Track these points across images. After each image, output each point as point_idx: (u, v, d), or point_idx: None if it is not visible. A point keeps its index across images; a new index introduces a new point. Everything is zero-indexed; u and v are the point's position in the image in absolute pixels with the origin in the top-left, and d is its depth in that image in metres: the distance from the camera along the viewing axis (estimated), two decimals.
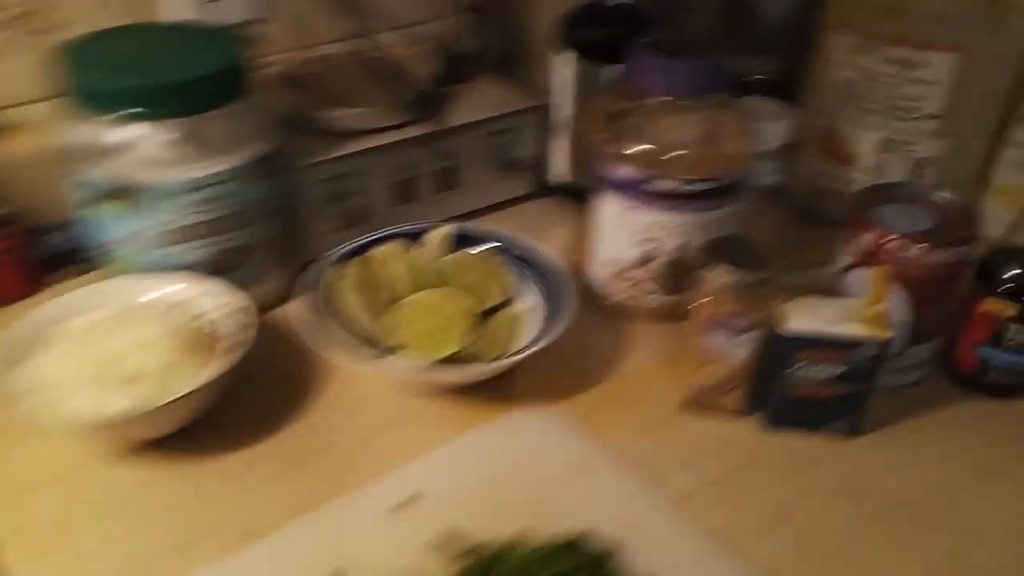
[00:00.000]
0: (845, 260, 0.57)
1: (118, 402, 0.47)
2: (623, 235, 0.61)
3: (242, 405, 0.55)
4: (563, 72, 0.73)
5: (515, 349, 0.56)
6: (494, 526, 0.46)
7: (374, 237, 0.62)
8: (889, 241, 0.53)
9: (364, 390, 0.57)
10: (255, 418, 0.54)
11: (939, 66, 0.64)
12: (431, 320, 0.57)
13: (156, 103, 0.53)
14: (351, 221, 0.66)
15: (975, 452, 0.54)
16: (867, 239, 0.54)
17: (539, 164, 0.77)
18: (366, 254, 0.61)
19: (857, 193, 0.57)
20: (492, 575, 0.43)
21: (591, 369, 0.59)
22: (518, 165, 0.74)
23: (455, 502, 0.48)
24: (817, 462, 0.52)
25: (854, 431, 0.54)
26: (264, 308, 0.62)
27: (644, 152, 0.57)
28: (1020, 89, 0.68)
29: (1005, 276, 0.54)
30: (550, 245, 0.71)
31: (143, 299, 0.56)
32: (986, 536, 0.48)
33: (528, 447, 0.52)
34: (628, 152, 0.58)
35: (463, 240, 0.64)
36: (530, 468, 0.51)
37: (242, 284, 0.59)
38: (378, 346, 0.57)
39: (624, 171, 0.58)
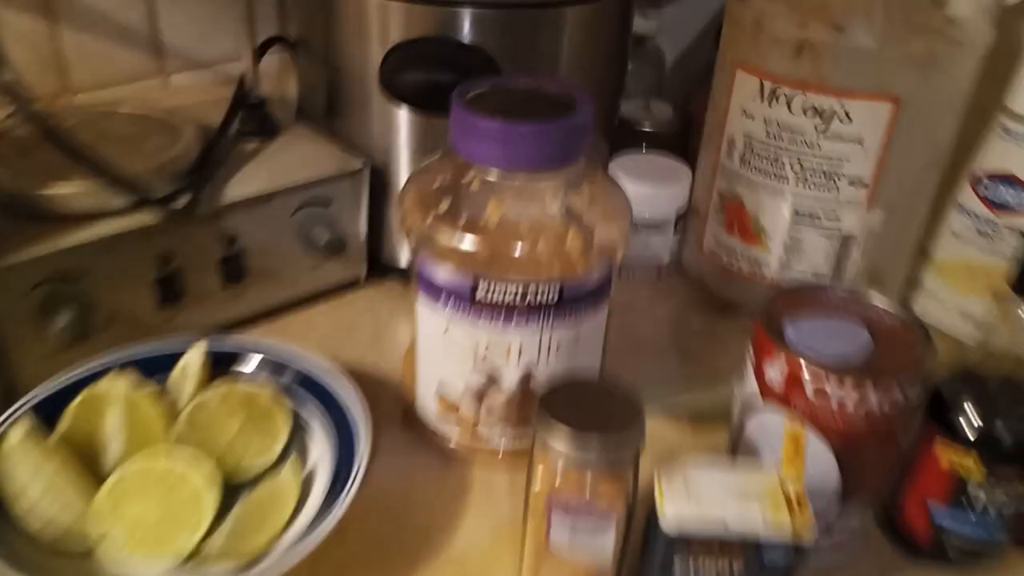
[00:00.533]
0: (748, 389, 0.41)
1: None
2: (450, 358, 0.44)
3: None
4: (390, 123, 0.56)
5: (280, 540, 0.38)
6: None
7: (93, 370, 0.44)
8: (806, 373, 0.37)
9: None
10: None
11: (865, 118, 0.49)
12: (156, 500, 0.38)
13: None
14: (77, 339, 0.47)
15: None
16: (775, 370, 0.38)
17: (369, 242, 0.60)
18: (75, 401, 0.42)
19: (765, 301, 0.41)
20: None
21: (397, 557, 0.42)
22: (339, 248, 0.56)
23: None
24: None
25: None
26: None
27: (471, 246, 0.40)
28: (962, 144, 0.54)
29: (964, 415, 0.39)
30: (381, 353, 0.54)
31: None
32: None
33: None
34: (449, 246, 0.40)
35: (228, 360, 0.46)
36: None
37: None
38: (78, 544, 0.38)
39: (445, 272, 0.41)
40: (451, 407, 0.45)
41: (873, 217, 0.52)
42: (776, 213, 0.54)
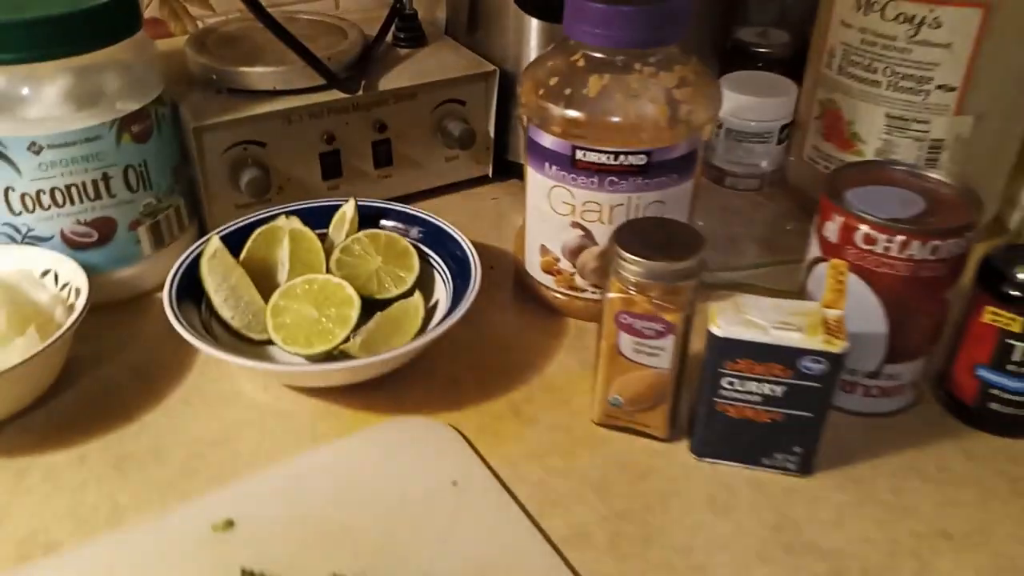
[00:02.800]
0: (812, 253, 0.46)
1: None
2: (552, 218, 0.52)
3: (89, 394, 0.48)
4: (522, 34, 0.64)
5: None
6: (330, 560, 0.38)
7: (268, 214, 0.55)
8: (859, 228, 0.42)
9: (228, 385, 0.49)
10: (100, 409, 0.47)
11: (955, 24, 0.52)
12: (312, 310, 0.49)
13: (28, 41, 0.46)
14: (257, 196, 0.58)
15: (957, 509, 0.42)
16: (832, 228, 0.44)
17: (497, 140, 0.68)
18: (255, 233, 0.53)
19: (832, 172, 0.46)
20: None
21: (499, 376, 0.50)
22: (470, 141, 0.65)
23: (289, 529, 0.40)
24: (746, 505, 0.42)
25: (802, 468, 0.43)
26: (138, 289, 0.55)
27: (573, 118, 0.48)
28: None
29: (1015, 280, 0.43)
30: (500, 236, 0.62)
31: None
32: None
33: (398, 462, 0.43)
34: (555, 117, 0.48)
35: (372, 220, 0.56)
36: (391, 488, 0.42)
37: (111, 262, 0.52)
38: (251, 336, 0.50)
39: (549, 140, 0.49)
40: (552, 263, 0.53)
41: (962, 123, 0.55)
42: (870, 119, 0.58)
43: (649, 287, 0.41)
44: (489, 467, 0.44)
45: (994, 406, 0.45)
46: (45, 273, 0.50)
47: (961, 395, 0.46)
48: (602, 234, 0.51)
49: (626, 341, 0.43)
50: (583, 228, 0.51)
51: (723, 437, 0.43)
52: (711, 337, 0.40)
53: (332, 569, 0.37)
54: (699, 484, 0.43)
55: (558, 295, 0.55)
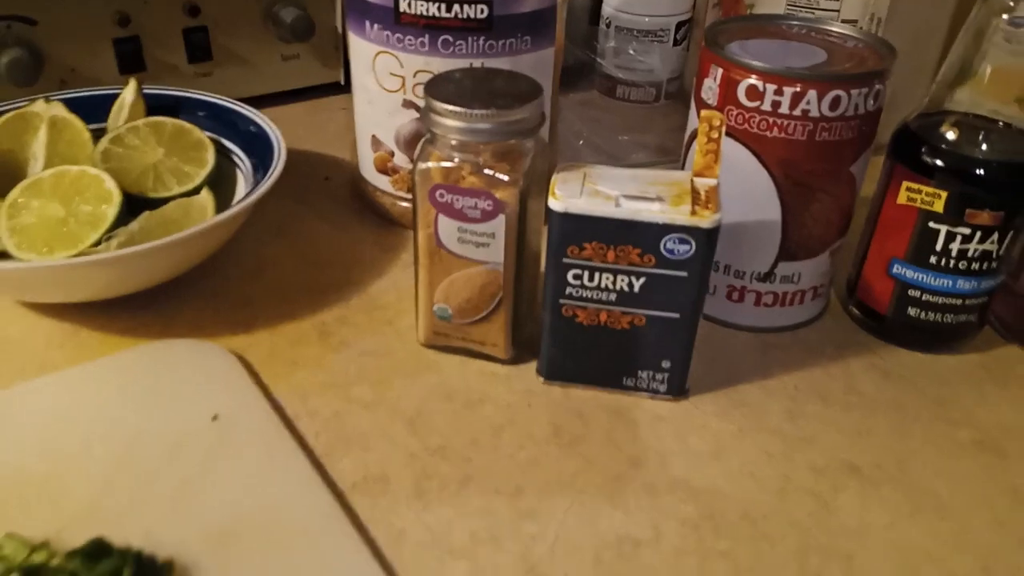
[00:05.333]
0: (691, 126, 0.37)
1: None
2: (380, 97, 0.41)
3: None
4: None
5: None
6: (25, 520, 0.27)
7: (22, 102, 0.43)
8: (743, 81, 0.33)
9: None
10: None
11: None
12: (59, 208, 0.38)
13: None
14: (22, 83, 0.46)
15: (868, 439, 0.33)
16: (711, 83, 0.34)
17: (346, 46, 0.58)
18: (4, 116, 0.42)
19: (713, 23, 0.37)
20: None
21: (310, 295, 0.40)
22: (307, 32, 0.54)
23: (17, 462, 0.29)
24: (599, 437, 0.32)
25: (674, 390, 0.33)
26: None
27: None
28: None
29: (937, 145, 0.34)
30: (344, 146, 0.52)
31: None
32: None
33: (140, 392, 0.32)
34: None
35: (168, 110, 0.45)
36: (122, 425, 0.31)
37: None
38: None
39: None
40: (385, 159, 0.43)
41: (880, 4, 0.47)
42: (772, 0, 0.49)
43: (471, 151, 0.31)
44: (271, 399, 0.33)
45: (913, 312, 0.36)
46: None
47: (873, 303, 0.37)
48: None
49: (447, 228, 0.32)
50: (417, 108, 0.41)
51: (574, 352, 0.33)
52: (550, 215, 0.31)
53: (10, 529, 0.26)
54: (542, 413, 0.33)
55: (397, 201, 0.44)
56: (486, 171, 0.31)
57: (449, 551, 0.27)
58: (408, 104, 0.41)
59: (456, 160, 0.32)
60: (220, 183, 0.42)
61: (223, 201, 0.41)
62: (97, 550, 0.25)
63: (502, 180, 0.31)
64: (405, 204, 0.44)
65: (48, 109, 0.42)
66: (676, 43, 0.58)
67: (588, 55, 0.61)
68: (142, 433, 0.31)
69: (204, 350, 0.35)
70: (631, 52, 0.58)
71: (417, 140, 0.42)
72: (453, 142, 0.31)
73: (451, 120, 0.31)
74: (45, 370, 0.34)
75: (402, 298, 0.40)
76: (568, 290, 0.32)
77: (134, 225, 0.38)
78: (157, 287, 0.38)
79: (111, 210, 0.38)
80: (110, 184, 0.38)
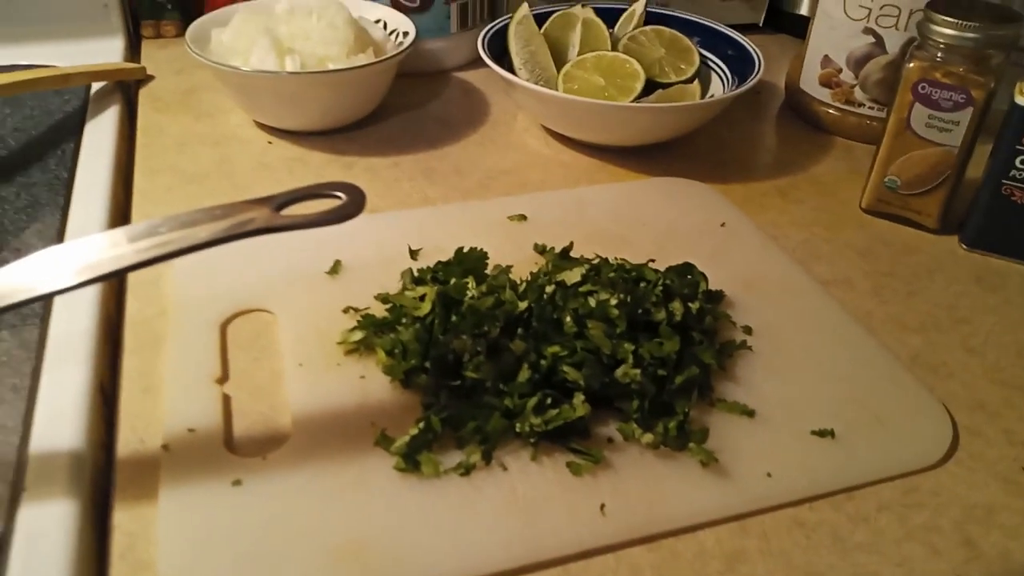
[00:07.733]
0: None
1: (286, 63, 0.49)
2: (843, 24, 0.52)
3: (400, 126, 0.55)
4: None
5: None
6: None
7: (563, 8, 0.60)
8: None
9: (516, 138, 0.54)
10: (409, 137, 0.54)
11: None
12: (600, 79, 0.53)
13: None
14: None
15: None
16: None
17: None
18: (553, 16, 0.58)
19: None
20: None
21: (765, 168, 0.52)
22: None
23: (571, 230, 0.44)
24: (1016, 288, 0.42)
25: None
26: (442, 64, 0.62)
27: None
28: None
29: None
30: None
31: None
32: None
33: (668, 203, 0.47)
34: None
35: (659, 22, 0.59)
36: (660, 219, 0.45)
37: (424, 31, 0.59)
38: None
39: None
40: (832, 74, 0.54)
41: None
42: None
43: (956, 53, 0.42)
44: (751, 222, 0.46)
45: None
46: (377, 21, 0.57)
47: None
48: (895, 42, 0.51)
49: (919, 114, 0.43)
50: (875, 35, 0.51)
51: (1002, 226, 0.43)
52: (1013, 108, 0.40)
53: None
54: (966, 267, 0.43)
55: (831, 110, 0.56)
56: (965, 73, 0.42)
57: (903, 329, 0.39)
58: (868, 31, 0.52)
59: (940, 58, 0.42)
60: (701, 78, 0.56)
61: (704, 91, 0.55)
62: (685, 269, 0.39)
63: (978, 80, 0.41)
64: (836, 113, 0.55)
65: (583, 12, 0.58)
66: None
67: None
68: (672, 224, 0.45)
69: (699, 186, 0.49)
70: None
71: (866, 61, 0.52)
72: (942, 46, 0.42)
73: (944, 28, 0.41)
74: (593, 183, 0.50)
75: (839, 179, 0.51)
76: (1013, 173, 0.41)
77: (652, 97, 0.52)
78: (654, 146, 0.52)
79: (638, 84, 0.52)
80: (637, 67, 0.53)
